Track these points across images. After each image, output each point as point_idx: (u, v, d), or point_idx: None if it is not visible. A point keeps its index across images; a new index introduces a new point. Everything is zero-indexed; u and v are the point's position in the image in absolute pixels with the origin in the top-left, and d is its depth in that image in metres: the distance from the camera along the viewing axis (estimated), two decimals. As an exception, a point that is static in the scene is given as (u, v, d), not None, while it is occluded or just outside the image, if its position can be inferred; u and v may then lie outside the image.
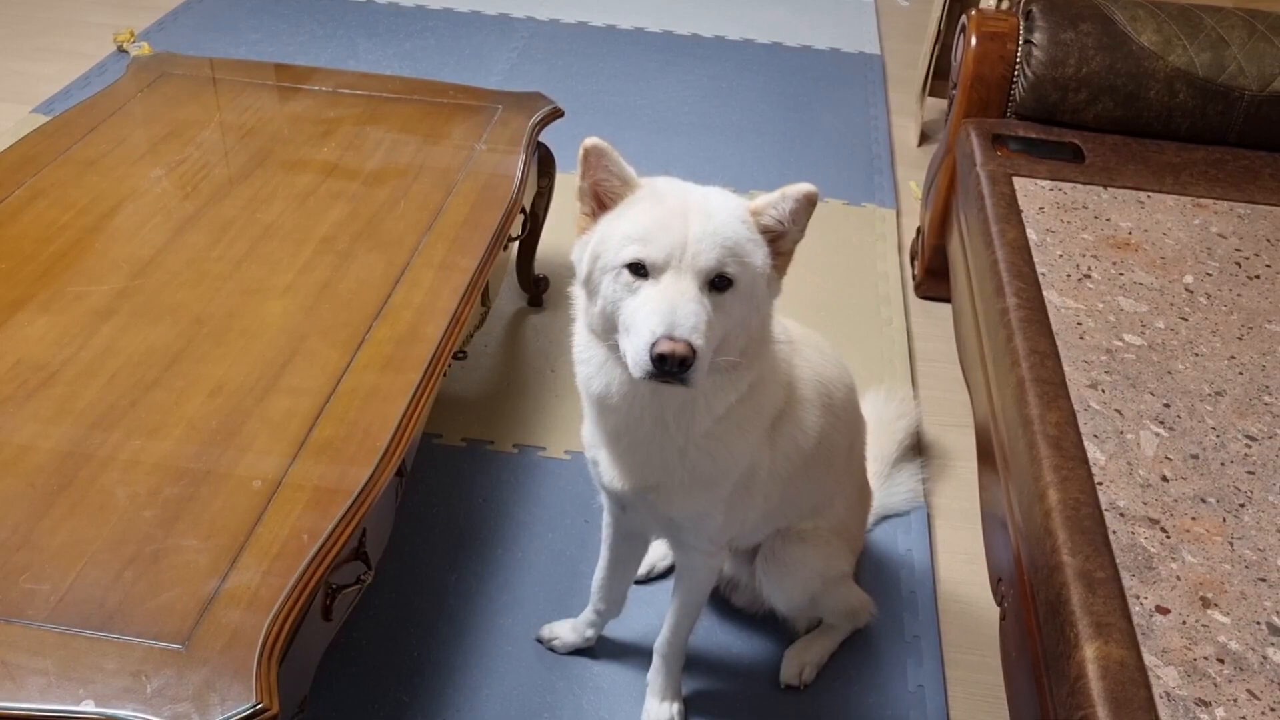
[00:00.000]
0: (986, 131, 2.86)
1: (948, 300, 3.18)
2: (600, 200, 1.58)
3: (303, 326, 2.01)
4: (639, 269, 1.47)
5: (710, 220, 1.48)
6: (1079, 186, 2.67)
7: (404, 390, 1.89)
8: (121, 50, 4.30)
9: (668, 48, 4.67)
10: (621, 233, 1.50)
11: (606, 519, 2.05)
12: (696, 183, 1.59)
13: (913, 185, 3.81)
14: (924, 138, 4.12)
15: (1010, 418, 2.06)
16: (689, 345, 1.40)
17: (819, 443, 1.85)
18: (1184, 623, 1.59)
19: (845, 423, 1.97)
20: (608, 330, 1.54)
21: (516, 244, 2.88)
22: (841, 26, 5.00)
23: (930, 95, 4.08)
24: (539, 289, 3.14)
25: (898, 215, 3.65)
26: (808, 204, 1.51)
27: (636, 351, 1.43)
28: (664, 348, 1.39)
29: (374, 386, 1.89)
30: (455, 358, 2.15)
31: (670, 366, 1.40)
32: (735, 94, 4.34)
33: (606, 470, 1.78)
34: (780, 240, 1.55)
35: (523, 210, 2.55)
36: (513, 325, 3.08)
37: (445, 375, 2.11)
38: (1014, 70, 2.91)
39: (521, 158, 2.57)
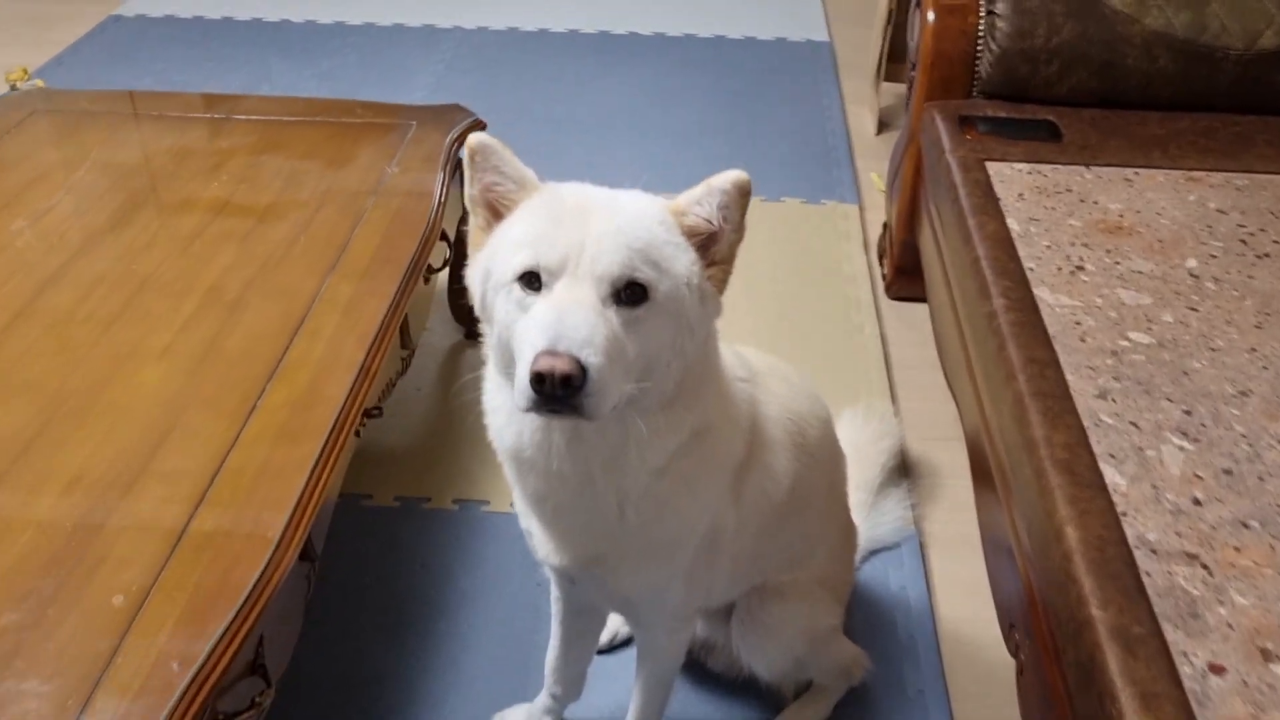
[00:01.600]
0: (952, 114, 2.60)
1: (922, 300, 2.91)
2: (494, 209, 1.33)
3: (182, 396, 1.72)
4: (533, 280, 1.22)
5: (615, 217, 1.23)
6: (1059, 168, 2.41)
7: (302, 464, 1.60)
8: (14, 89, 3.98)
9: (605, 49, 4.40)
10: (513, 239, 1.24)
11: (555, 593, 1.76)
12: (644, 192, 1.34)
13: (874, 177, 3.55)
14: (883, 125, 3.87)
15: (1010, 438, 1.80)
16: (575, 360, 1.12)
17: (793, 490, 1.58)
18: (1244, 683, 1.33)
19: (822, 461, 1.69)
20: (507, 363, 1.28)
21: (445, 272, 2.60)
22: (786, 15, 4.75)
23: (886, 80, 3.82)
24: (476, 320, 2.85)
25: (861, 211, 3.39)
26: (739, 194, 1.25)
27: (519, 378, 1.16)
28: (541, 364, 1.12)
29: (265, 462, 1.60)
30: (368, 415, 1.86)
31: (552, 388, 1.13)
32: (679, 93, 4.07)
33: (540, 543, 1.50)
34: (713, 244, 1.29)
35: (444, 236, 2.27)
36: (448, 363, 2.79)
37: (358, 435, 1.83)
38: (977, 45, 2.66)
39: (440, 177, 2.29)
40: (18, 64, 4.06)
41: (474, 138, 1.31)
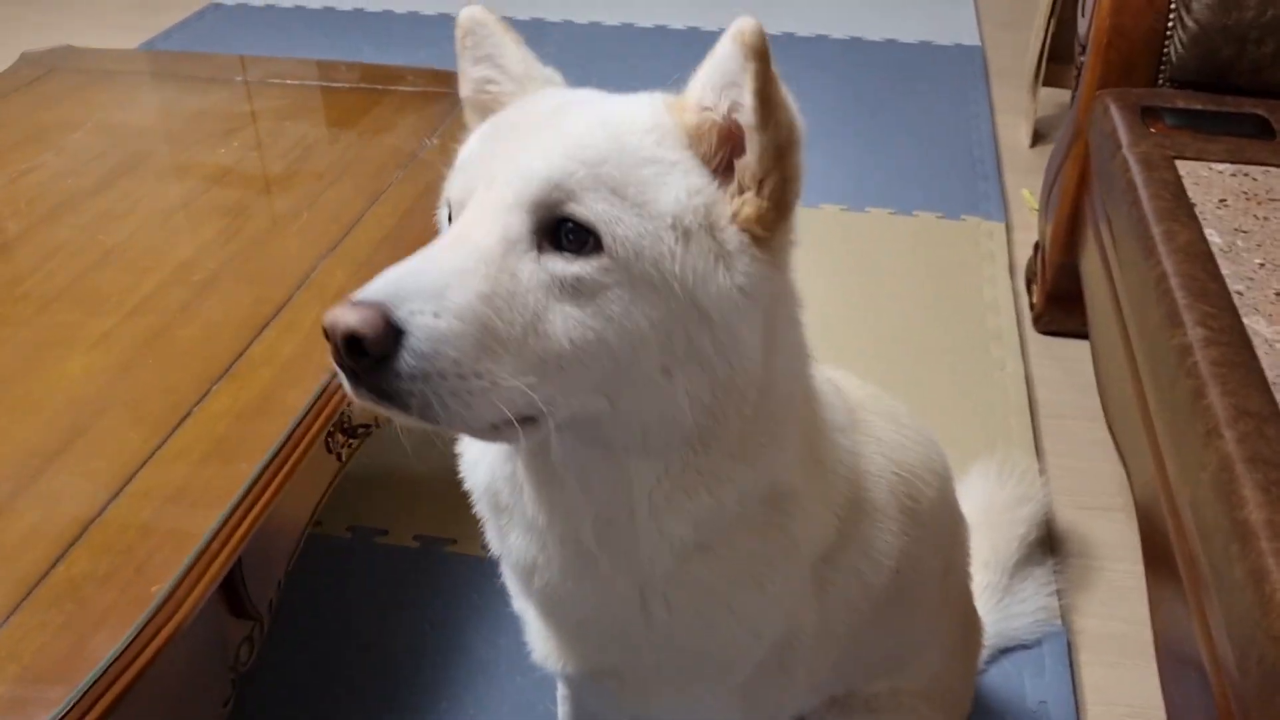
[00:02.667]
0: (1133, 104, 2.08)
1: (1080, 335, 2.39)
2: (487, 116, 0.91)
3: (106, 394, 1.34)
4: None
5: (570, 121, 0.82)
6: (1273, 171, 1.87)
7: (227, 491, 1.20)
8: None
9: (698, 45, 3.96)
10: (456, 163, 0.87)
11: (561, 690, 1.32)
12: None
13: (1026, 194, 3.03)
14: (1038, 137, 3.34)
15: (1210, 517, 1.29)
16: (375, 311, 0.72)
17: (899, 573, 1.09)
18: None
19: (939, 534, 1.21)
20: None
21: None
22: (931, 17, 4.24)
23: (1045, 84, 3.29)
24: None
25: (1008, 230, 2.87)
26: (743, 54, 0.77)
27: None
28: (326, 317, 0.74)
29: (181, 487, 1.21)
30: (350, 434, 1.45)
31: (338, 356, 0.74)
32: (805, 96, 3.53)
33: (537, 642, 1.07)
34: (735, 148, 0.81)
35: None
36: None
37: (341, 459, 1.44)
38: (1167, 20, 2.13)
39: (487, 153, 1.89)
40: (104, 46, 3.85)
41: (466, 12, 0.92)
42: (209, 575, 1.13)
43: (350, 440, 1.48)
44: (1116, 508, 2.01)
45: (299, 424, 1.30)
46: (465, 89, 0.96)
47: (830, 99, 3.59)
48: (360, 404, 0.78)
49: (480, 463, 0.98)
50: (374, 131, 1.97)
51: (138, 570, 1.10)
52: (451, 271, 0.75)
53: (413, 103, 2.08)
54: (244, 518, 1.19)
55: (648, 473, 0.87)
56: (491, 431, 0.79)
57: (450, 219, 0.85)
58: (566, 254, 0.77)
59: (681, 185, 0.80)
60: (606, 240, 0.77)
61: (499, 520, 0.99)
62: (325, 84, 2.17)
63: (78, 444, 1.26)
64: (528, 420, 0.79)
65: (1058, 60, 3.25)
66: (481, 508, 1.01)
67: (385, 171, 1.83)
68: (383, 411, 0.77)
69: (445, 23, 4.13)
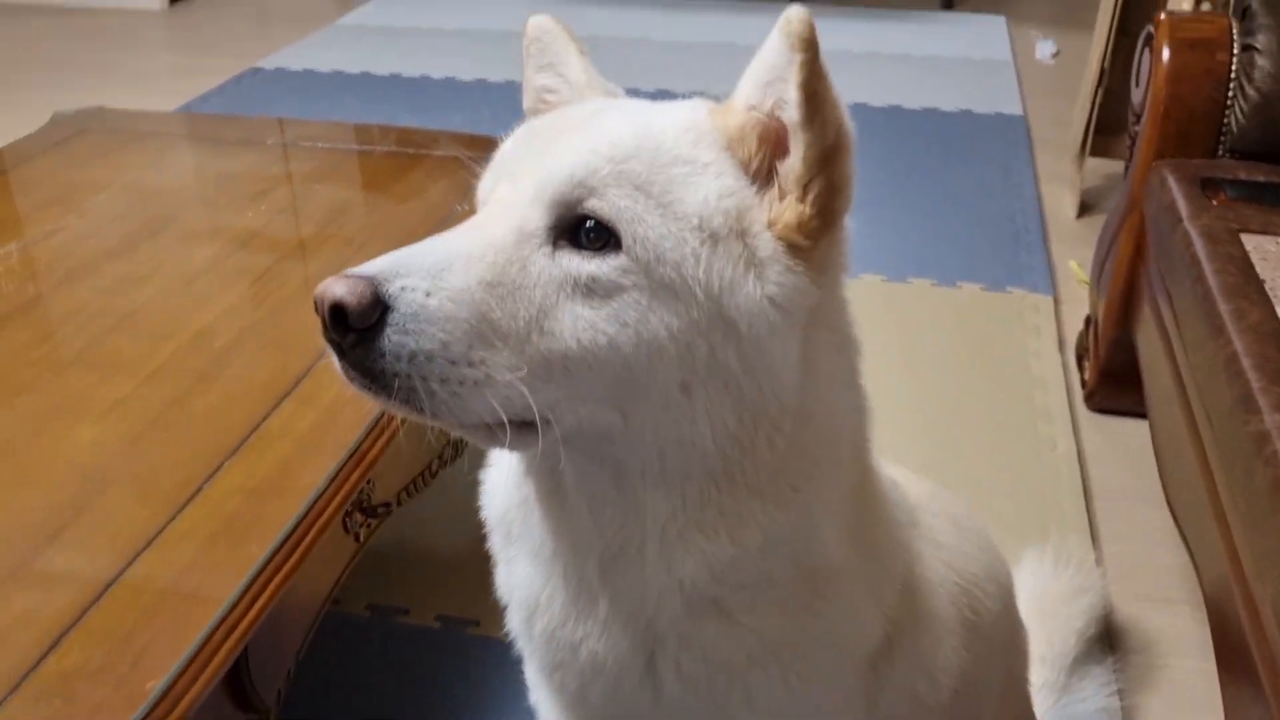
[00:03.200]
0: (1192, 175, 2.00)
1: (1135, 414, 2.29)
2: None
3: (112, 467, 1.27)
4: None
5: (603, 119, 0.79)
6: (1345, 246, 1.78)
7: (234, 575, 1.12)
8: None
9: (764, 115, 3.93)
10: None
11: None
12: None
13: (1074, 265, 2.94)
14: (1085, 208, 3.26)
15: (1295, 623, 1.18)
16: (364, 284, 0.70)
17: (958, 694, 0.99)
18: None
19: (1001, 647, 1.11)
20: None
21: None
22: (973, 86, 4.19)
23: (1092, 155, 3.21)
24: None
25: (1056, 303, 2.77)
26: (790, 45, 0.73)
27: None
28: (317, 288, 0.71)
29: (186, 569, 1.13)
30: (369, 513, 1.37)
31: (324, 329, 0.71)
32: (844, 164, 3.55)
33: (544, 706, 1.04)
34: (778, 150, 0.77)
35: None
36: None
37: (360, 540, 1.36)
38: (1228, 90, 2.06)
39: (520, 219, 1.83)
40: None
41: (534, 19, 0.91)
42: (211, 668, 1.05)
43: (369, 520, 1.40)
44: (1179, 599, 1.89)
45: (314, 504, 1.23)
46: (527, 100, 0.94)
47: (870, 167, 3.50)
48: (350, 389, 0.74)
49: (498, 491, 0.93)
50: (404, 196, 1.92)
51: (133, 663, 1.02)
52: (456, 254, 0.72)
53: (446, 167, 2.03)
54: (251, 605, 1.11)
55: (663, 504, 0.79)
56: (484, 432, 0.74)
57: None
58: (584, 252, 0.73)
59: (713, 186, 0.75)
60: (626, 240, 0.72)
61: (508, 552, 0.94)
62: (358, 147, 2.13)
63: (80, 521, 1.19)
64: (526, 425, 0.74)
65: (1104, 131, 3.19)
66: (494, 541, 0.96)
67: (415, 236, 1.75)
68: (368, 394, 0.73)
69: (481, 89, 4.15)
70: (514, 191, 0.76)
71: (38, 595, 1.09)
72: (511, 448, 0.80)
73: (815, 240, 0.77)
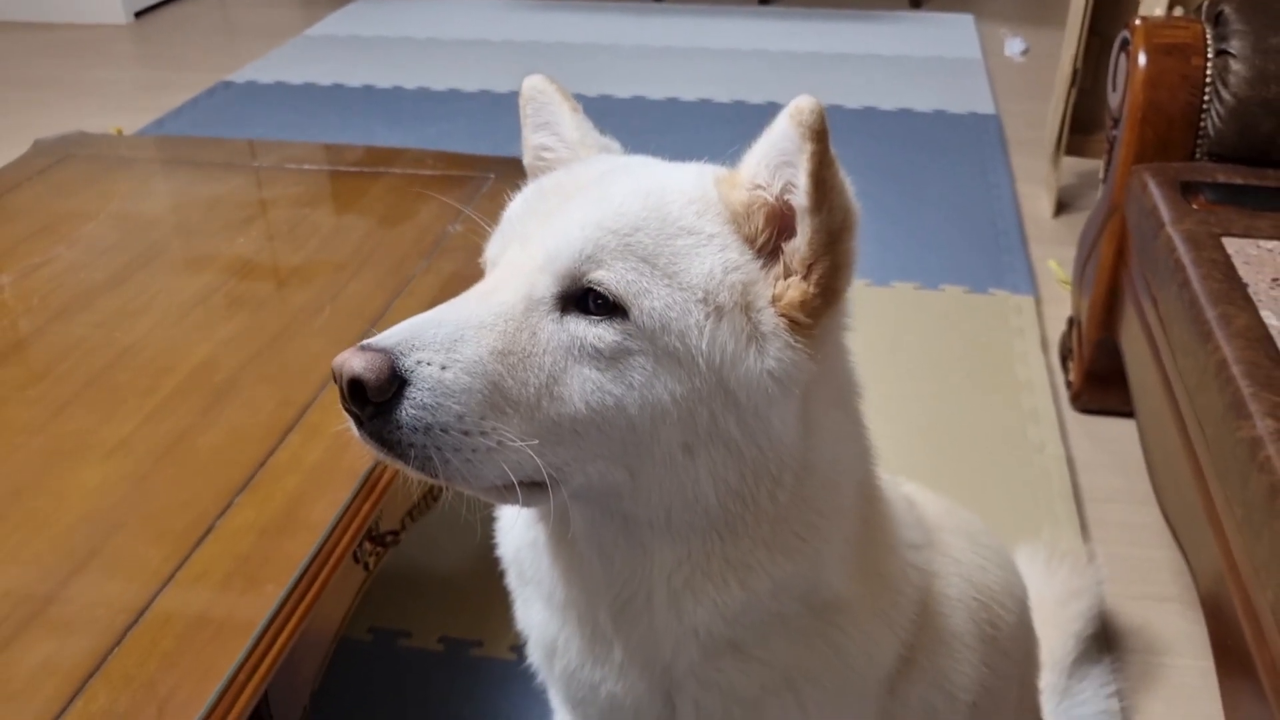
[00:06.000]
0: (1172, 179, 2.03)
1: (1120, 414, 2.32)
2: None
3: (122, 508, 1.27)
4: None
5: (611, 187, 0.80)
6: (1324, 248, 1.82)
7: (253, 617, 1.12)
8: (106, 152, 3.74)
9: (739, 119, 3.95)
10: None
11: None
12: None
13: (1053, 265, 2.97)
14: (1061, 206, 3.29)
15: (1297, 629, 1.21)
16: (381, 358, 0.72)
17: (976, 707, 1.01)
18: None
19: (1018, 660, 1.13)
20: None
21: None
22: (945, 87, 4.23)
23: (1067, 154, 3.25)
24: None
25: (1037, 303, 2.81)
26: (801, 134, 0.74)
27: None
28: (335, 361, 0.74)
29: (204, 613, 1.13)
30: (379, 542, 1.38)
31: (345, 401, 0.74)
32: (821, 167, 3.57)
33: None
34: (784, 230, 0.79)
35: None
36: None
37: (368, 569, 1.36)
38: (1204, 94, 2.09)
39: (512, 240, 1.83)
40: (114, 125, 3.83)
41: (529, 81, 0.92)
42: (237, 709, 1.05)
43: (378, 548, 1.40)
44: (1172, 597, 1.93)
45: (328, 539, 1.23)
46: (526, 157, 0.96)
47: (848, 169, 3.54)
48: (369, 452, 0.77)
49: (510, 530, 0.95)
50: (395, 219, 1.91)
51: (160, 709, 1.02)
52: (468, 324, 0.74)
53: (433, 187, 2.03)
54: (272, 643, 1.11)
55: (669, 554, 0.82)
56: (495, 493, 0.77)
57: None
58: (591, 317, 0.75)
59: (718, 260, 0.77)
60: (633, 310, 0.74)
61: (523, 592, 0.96)
62: (343, 168, 2.12)
63: (93, 564, 1.18)
64: (535, 485, 0.76)
65: (1078, 130, 3.23)
66: (510, 578, 0.98)
67: (408, 262, 1.77)
68: (385, 459, 0.76)
69: (455, 98, 4.14)
70: (523, 256, 0.78)
71: (57, 640, 1.09)
72: (523, 505, 0.82)
73: (817, 318, 0.79)
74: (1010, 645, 1.07)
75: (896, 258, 3.00)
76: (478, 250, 1.84)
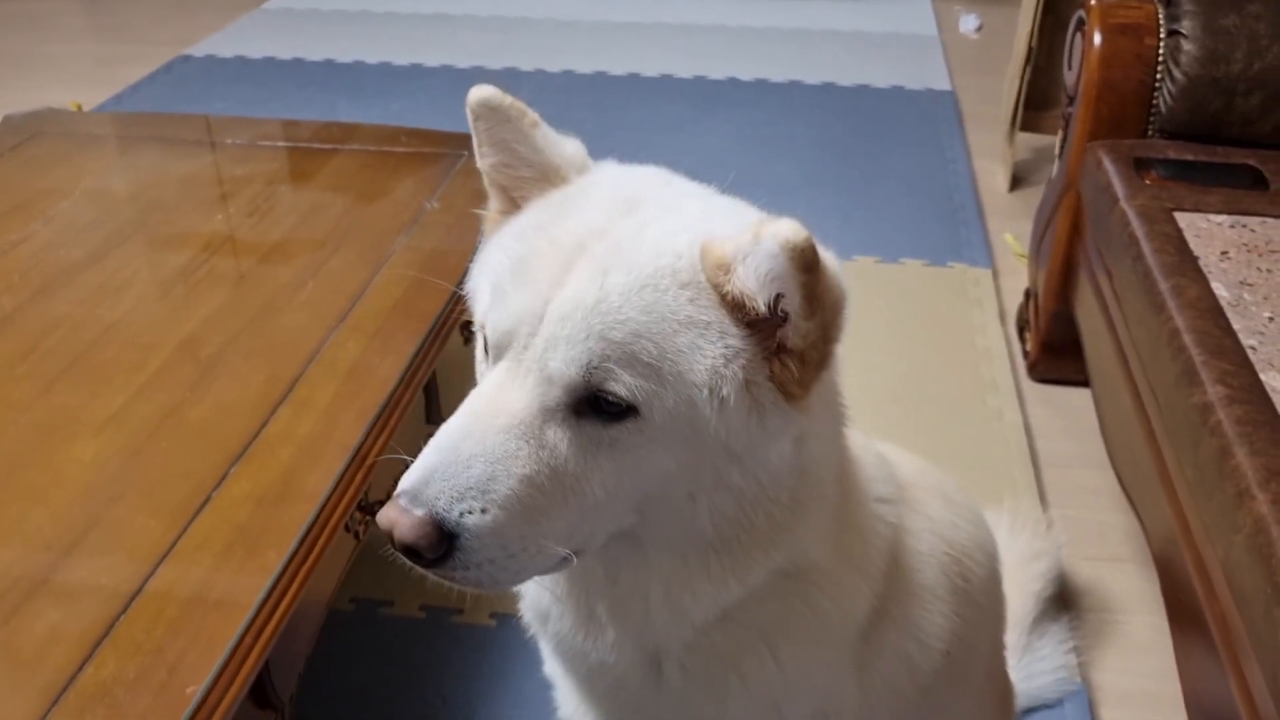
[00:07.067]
0: (1125, 155, 2.10)
1: (1075, 383, 2.40)
2: (512, 196, 0.92)
3: (118, 481, 1.29)
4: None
5: (605, 278, 0.78)
6: (1270, 221, 1.89)
7: (254, 584, 1.16)
8: (64, 127, 3.70)
9: (700, 94, 3.99)
10: (485, 267, 0.87)
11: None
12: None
13: (1009, 238, 3.05)
14: (1017, 181, 3.37)
15: (1246, 579, 1.29)
16: (430, 523, 0.76)
17: (950, 655, 1.07)
18: None
19: (989, 613, 1.19)
20: None
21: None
22: (902, 62, 4.29)
23: (1022, 130, 3.33)
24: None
25: (994, 276, 2.88)
26: (793, 265, 0.74)
27: None
28: (381, 517, 0.79)
29: (206, 581, 1.17)
30: (368, 512, 1.41)
31: (402, 550, 0.79)
32: (782, 142, 3.63)
33: (563, 700, 1.11)
34: (772, 326, 0.79)
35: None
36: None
37: (359, 538, 1.40)
38: (1156, 73, 2.16)
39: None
40: (72, 100, 3.79)
41: (475, 92, 0.89)
42: (244, 672, 1.09)
43: (369, 517, 1.44)
44: (1125, 558, 2.01)
45: (323, 508, 1.26)
46: (482, 165, 0.94)
47: (807, 145, 3.61)
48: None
49: None
50: (371, 196, 1.94)
51: (170, 671, 1.06)
52: (495, 458, 0.77)
53: (408, 164, 2.05)
54: (274, 611, 1.15)
55: (670, 564, 0.88)
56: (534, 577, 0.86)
57: (486, 352, 0.85)
58: (604, 416, 0.78)
59: (718, 350, 0.78)
60: (644, 410, 0.78)
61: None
62: (317, 145, 2.14)
63: (93, 536, 1.21)
64: (565, 560, 0.83)
65: (1033, 106, 3.30)
66: None
67: (387, 238, 1.80)
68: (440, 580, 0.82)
69: (418, 73, 4.14)
70: (529, 363, 0.79)
71: (63, 610, 1.12)
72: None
73: (808, 388, 0.82)
74: (982, 598, 1.13)
75: (856, 232, 3.06)
76: (455, 228, 1.87)
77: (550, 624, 0.99)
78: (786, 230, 0.73)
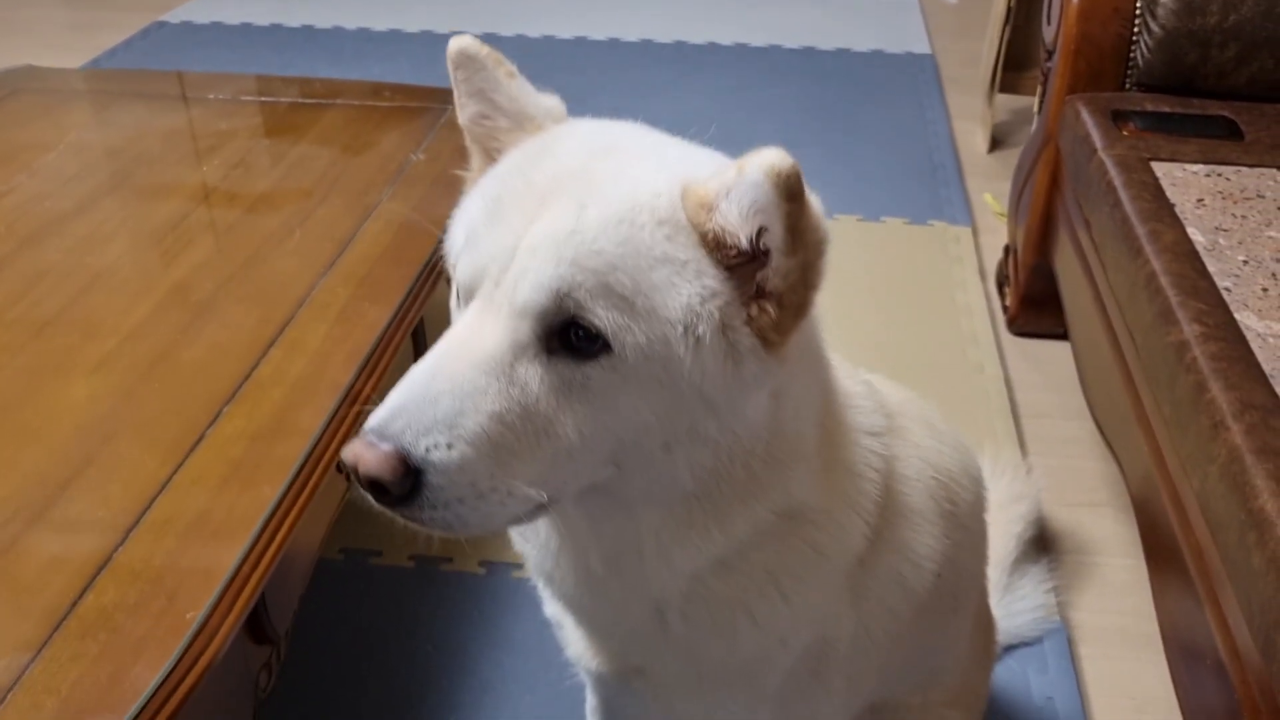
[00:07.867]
0: (1103, 108, 2.13)
1: (1053, 336, 2.44)
2: (489, 151, 0.91)
3: (112, 419, 1.31)
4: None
5: (582, 212, 0.78)
6: (1244, 170, 1.93)
7: (251, 517, 1.18)
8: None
9: (681, 59, 3.99)
10: (461, 217, 0.87)
11: (591, 701, 1.31)
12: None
13: (989, 198, 3.08)
14: (995, 142, 3.39)
15: (1220, 507, 1.32)
16: (395, 457, 0.74)
17: (941, 577, 1.10)
18: None
19: (977, 537, 1.22)
20: None
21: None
22: (882, 26, 4.30)
23: (1001, 91, 3.35)
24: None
25: (974, 234, 2.91)
26: (777, 193, 0.74)
27: None
28: (346, 452, 0.77)
29: (204, 512, 1.18)
30: (361, 454, 1.43)
31: (367, 485, 0.77)
32: (764, 105, 3.65)
33: (570, 638, 1.11)
34: (759, 265, 0.79)
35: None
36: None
37: (350, 481, 1.40)
38: (1133, 26, 2.18)
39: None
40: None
41: (455, 42, 0.89)
42: (240, 602, 1.10)
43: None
44: (1102, 503, 2.05)
45: (316, 446, 1.28)
46: (462, 118, 0.95)
47: (789, 108, 3.62)
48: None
49: None
50: (356, 149, 1.94)
51: (170, 598, 1.07)
52: (464, 394, 0.76)
53: (393, 118, 2.06)
54: (269, 543, 1.17)
55: (654, 517, 0.88)
56: (507, 526, 0.85)
57: (459, 296, 0.85)
58: (576, 354, 0.77)
59: (694, 289, 0.78)
60: (616, 346, 0.77)
61: (519, 529, 1.01)
62: (301, 100, 2.14)
63: (89, 471, 1.23)
64: (540, 508, 0.82)
65: (1012, 68, 3.33)
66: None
67: (373, 189, 1.81)
68: (409, 522, 0.80)
69: (396, 39, 4.13)
70: (500, 297, 0.78)
71: (62, 540, 1.14)
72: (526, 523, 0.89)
73: (789, 333, 0.82)
74: (970, 520, 1.16)
75: (838, 192, 3.08)
76: (440, 178, 1.88)
77: (555, 585, 1.00)
78: (772, 157, 0.73)
